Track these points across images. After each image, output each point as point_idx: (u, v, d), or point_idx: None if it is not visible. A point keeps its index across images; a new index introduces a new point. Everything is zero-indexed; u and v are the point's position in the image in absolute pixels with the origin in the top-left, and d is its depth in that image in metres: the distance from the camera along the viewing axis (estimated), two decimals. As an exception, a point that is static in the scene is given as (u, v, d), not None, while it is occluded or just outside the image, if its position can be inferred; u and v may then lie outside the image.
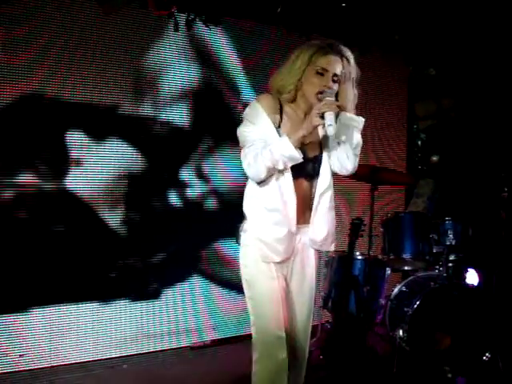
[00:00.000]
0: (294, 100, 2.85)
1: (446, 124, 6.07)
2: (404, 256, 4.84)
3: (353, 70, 2.84)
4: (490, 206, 5.37)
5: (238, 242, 2.92)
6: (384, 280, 4.94)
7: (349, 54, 2.82)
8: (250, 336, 2.91)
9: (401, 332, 4.58)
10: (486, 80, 5.90)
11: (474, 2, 5.49)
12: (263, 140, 2.73)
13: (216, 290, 5.18)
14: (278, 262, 2.83)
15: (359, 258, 4.89)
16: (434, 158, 6.15)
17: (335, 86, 2.79)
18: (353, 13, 5.49)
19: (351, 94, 2.85)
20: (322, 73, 2.76)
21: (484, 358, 4.50)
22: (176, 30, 4.82)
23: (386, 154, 6.00)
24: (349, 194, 5.58)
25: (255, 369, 2.83)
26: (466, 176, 5.93)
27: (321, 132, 2.89)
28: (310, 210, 2.88)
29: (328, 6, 5.40)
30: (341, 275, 4.86)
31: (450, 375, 4.44)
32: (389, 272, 5.00)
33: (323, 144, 2.93)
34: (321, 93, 2.74)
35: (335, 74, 2.77)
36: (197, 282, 5.10)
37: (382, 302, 4.88)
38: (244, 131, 2.80)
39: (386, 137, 6.04)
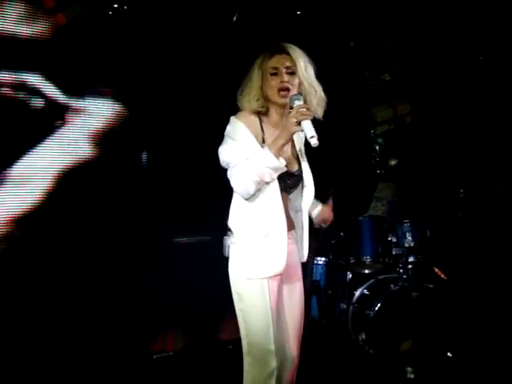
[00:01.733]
0: (266, 112, 2.85)
1: (402, 128, 6.14)
2: (364, 259, 4.88)
3: (304, 64, 2.80)
4: (447, 207, 5.44)
5: (225, 253, 2.86)
6: (345, 284, 4.98)
7: (295, 48, 2.82)
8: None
9: (363, 335, 4.62)
10: (441, 83, 6.00)
11: (428, 4, 5.60)
12: (247, 157, 2.69)
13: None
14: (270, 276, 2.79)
15: (320, 262, 4.92)
16: (393, 162, 6.21)
17: (294, 80, 2.77)
18: (308, 20, 5.54)
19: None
20: (274, 72, 2.77)
21: (445, 357, 4.57)
22: None
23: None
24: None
25: (246, 378, 2.80)
26: (424, 179, 6.01)
27: (297, 143, 2.91)
28: (294, 223, 2.89)
29: (283, 13, 5.44)
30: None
31: (412, 376, 4.49)
32: (350, 276, 5.03)
33: (301, 156, 2.93)
34: (281, 90, 2.75)
35: (287, 67, 2.77)
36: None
37: (344, 305, 4.91)
38: (226, 150, 2.76)
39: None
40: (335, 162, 5.68)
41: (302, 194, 2.91)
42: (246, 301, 2.78)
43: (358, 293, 4.97)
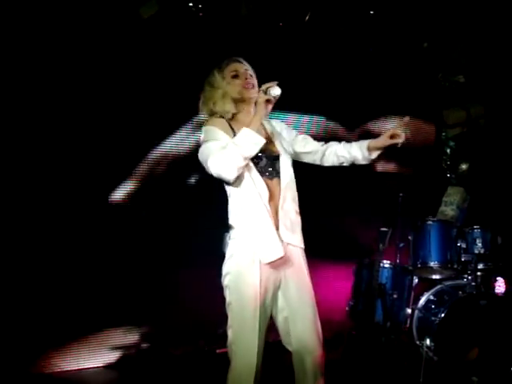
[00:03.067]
0: (232, 116, 3.00)
1: (475, 132, 6.00)
2: (432, 264, 4.78)
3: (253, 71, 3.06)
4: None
5: (224, 249, 2.92)
6: (411, 288, 4.91)
7: (243, 59, 3.07)
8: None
9: (428, 341, 4.54)
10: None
11: (503, 8, 5.46)
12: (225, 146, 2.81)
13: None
14: (271, 266, 2.84)
15: (386, 266, 4.86)
16: (464, 166, 6.08)
17: (253, 80, 3.00)
18: (381, 20, 5.49)
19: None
20: (235, 75, 3.00)
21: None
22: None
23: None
24: (375, 202, 5.54)
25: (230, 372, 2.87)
26: (496, 184, 5.86)
27: (269, 128, 3.05)
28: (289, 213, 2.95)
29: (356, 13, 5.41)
30: (368, 284, 4.83)
31: (477, 385, 4.39)
32: (416, 280, 4.96)
33: (276, 142, 3.04)
34: (247, 85, 2.96)
35: (245, 70, 3.02)
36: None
37: (409, 310, 4.84)
38: (204, 149, 2.87)
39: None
40: (405, 165, 5.62)
41: (279, 179, 2.96)
42: (234, 294, 2.83)
43: (424, 298, 4.89)
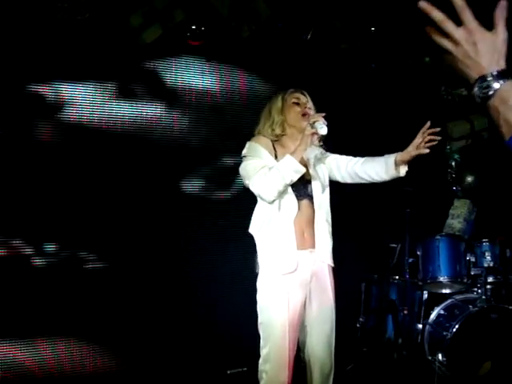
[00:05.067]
0: (283, 135, 3.27)
1: (479, 144, 6.00)
2: (441, 279, 4.79)
3: (312, 106, 3.33)
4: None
5: (255, 270, 3.16)
6: (422, 304, 4.90)
7: (307, 93, 3.34)
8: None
9: (440, 356, 4.53)
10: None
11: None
12: (267, 166, 3.05)
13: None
14: (293, 283, 3.02)
15: (396, 281, 4.86)
16: (469, 179, 6.08)
17: (311, 112, 3.24)
18: (382, 36, 5.52)
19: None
20: (297, 102, 3.28)
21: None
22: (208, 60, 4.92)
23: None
24: (383, 218, 5.54)
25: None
26: (502, 196, 5.85)
27: (305, 155, 3.17)
28: (315, 233, 3.16)
29: (357, 30, 5.44)
30: (378, 300, 4.83)
31: (491, 400, 4.37)
32: (426, 295, 4.95)
33: (310, 168, 3.25)
34: (305, 114, 3.22)
35: (306, 102, 3.30)
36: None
37: (420, 326, 4.83)
38: (246, 165, 3.12)
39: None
40: (410, 179, 5.61)
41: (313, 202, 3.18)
42: (264, 313, 3.05)
43: (434, 313, 4.88)
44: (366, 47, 5.55)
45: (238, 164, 3.23)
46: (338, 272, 5.41)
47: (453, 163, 6.12)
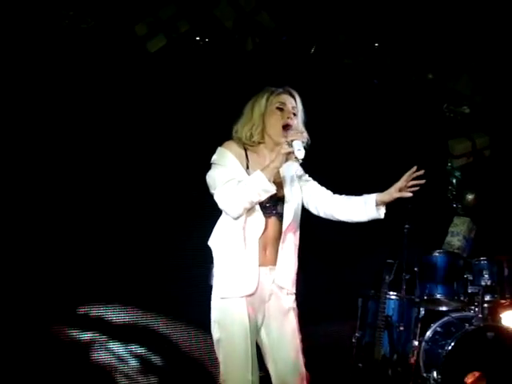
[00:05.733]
0: (260, 143, 3.00)
1: (481, 162, 6.01)
2: (438, 296, 4.78)
3: (300, 109, 3.02)
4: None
5: (210, 281, 2.94)
6: (418, 320, 4.89)
7: (297, 94, 3.03)
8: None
9: (435, 374, 4.52)
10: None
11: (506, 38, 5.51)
12: (235, 179, 2.81)
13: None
14: (252, 301, 2.83)
15: (393, 298, 4.86)
16: (470, 197, 6.08)
17: (295, 120, 2.96)
18: (385, 52, 5.55)
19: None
20: (281, 107, 2.96)
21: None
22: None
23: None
24: (380, 233, 5.54)
25: None
26: (502, 214, 5.85)
27: (281, 170, 3.00)
28: (278, 251, 2.93)
29: (360, 45, 5.47)
30: (374, 316, 4.82)
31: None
32: (423, 312, 4.94)
33: (285, 186, 3.02)
34: (287, 126, 2.91)
35: (293, 107, 2.97)
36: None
37: (416, 343, 4.81)
38: (214, 174, 2.88)
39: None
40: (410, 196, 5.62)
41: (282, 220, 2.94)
42: (223, 329, 2.81)
43: (430, 330, 4.87)
44: (370, 63, 5.58)
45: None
46: (336, 287, 5.49)
47: (453, 180, 6.13)
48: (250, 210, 2.83)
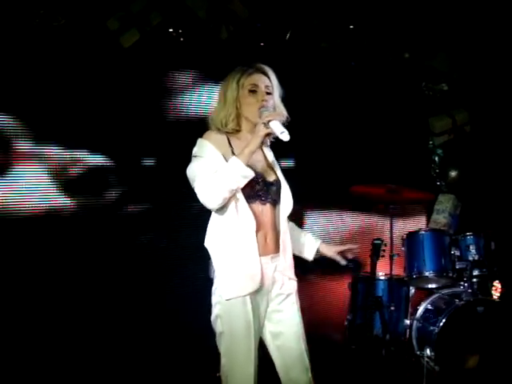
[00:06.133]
0: (238, 130, 2.89)
1: (462, 138, 6.03)
2: (427, 274, 4.79)
3: (276, 86, 2.90)
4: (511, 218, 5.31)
5: (210, 275, 2.86)
6: (408, 299, 4.91)
7: (271, 70, 2.91)
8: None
9: (428, 351, 4.54)
10: (499, 90, 5.88)
11: (483, 14, 5.52)
12: (214, 170, 2.70)
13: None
14: (255, 294, 2.77)
15: (382, 278, 4.87)
16: (453, 173, 6.10)
17: (271, 100, 2.84)
18: (361, 33, 5.54)
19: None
20: (254, 90, 2.83)
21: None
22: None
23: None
24: (367, 215, 5.56)
25: None
26: (486, 189, 5.88)
27: (269, 157, 2.96)
28: (278, 238, 2.86)
29: (336, 28, 5.45)
30: (364, 297, 4.84)
31: (480, 393, 4.38)
32: (413, 291, 4.96)
33: (275, 168, 2.96)
34: (261, 107, 2.79)
35: (267, 86, 2.85)
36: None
37: (408, 321, 4.83)
38: (193, 166, 2.79)
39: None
40: (395, 175, 5.64)
41: (279, 207, 2.89)
42: (225, 322, 2.75)
43: (421, 308, 4.88)
44: (346, 45, 5.57)
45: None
46: (325, 268, 5.49)
47: (436, 158, 6.15)
48: (240, 202, 2.74)
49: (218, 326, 2.78)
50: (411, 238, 4.91)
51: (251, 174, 2.69)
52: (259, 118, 2.75)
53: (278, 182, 2.90)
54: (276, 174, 2.93)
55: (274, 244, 2.85)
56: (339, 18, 5.41)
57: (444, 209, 5.92)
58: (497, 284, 5.21)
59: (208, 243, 2.85)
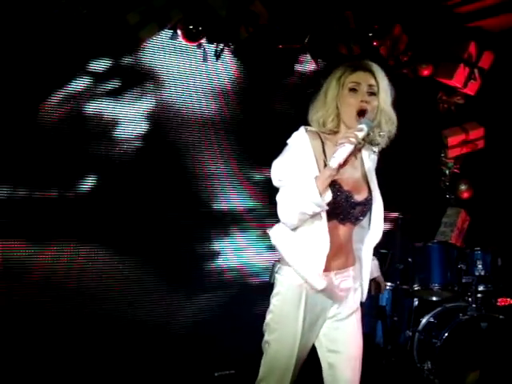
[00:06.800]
0: (337, 131, 2.59)
1: (474, 153, 6.02)
2: (432, 286, 4.78)
3: (386, 86, 2.56)
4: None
5: (270, 280, 2.66)
6: (411, 311, 4.90)
7: (378, 68, 2.57)
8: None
9: (429, 364, 4.52)
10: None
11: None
12: (301, 179, 2.43)
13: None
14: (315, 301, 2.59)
15: (387, 288, 4.85)
16: (463, 187, 6.08)
17: (374, 102, 2.52)
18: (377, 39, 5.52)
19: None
20: (354, 88, 2.52)
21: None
22: (205, 59, 4.90)
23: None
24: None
25: None
26: (495, 205, 5.86)
27: (366, 163, 2.67)
28: (348, 254, 2.62)
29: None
30: (368, 306, 4.82)
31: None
32: (416, 303, 4.95)
33: (370, 180, 2.65)
34: (362, 112, 2.49)
35: (369, 85, 2.52)
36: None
37: (410, 333, 4.82)
38: (281, 166, 2.54)
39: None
40: (405, 185, 5.63)
41: (368, 228, 2.65)
42: (272, 333, 2.59)
43: (424, 320, 4.87)
44: (364, 52, 5.55)
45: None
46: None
47: (447, 171, 6.13)
48: (315, 227, 2.48)
49: (265, 333, 2.63)
50: (418, 250, 4.90)
51: (323, 206, 2.41)
52: (355, 122, 2.49)
53: (368, 201, 2.61)
54: (370, 189, 2.63)
55: (344, 261, 2.61)
56: (359, 24, 5.39)
57: (452, 222, 5.90)
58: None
59: (283, 248, 2.60)
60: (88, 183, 4.59)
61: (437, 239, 5.69)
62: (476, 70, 5.74)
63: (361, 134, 2.42)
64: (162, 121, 4.87)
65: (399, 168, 5.79)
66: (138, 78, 4.75)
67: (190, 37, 4.70)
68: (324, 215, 2.47)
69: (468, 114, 6.05)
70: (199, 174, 5.01)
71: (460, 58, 5.73)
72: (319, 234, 2.49)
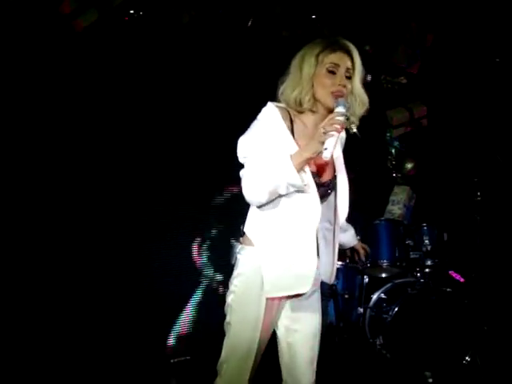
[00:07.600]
0: (314, 111, 2.54)
1: (418, 131, 6.12)
2: (381, 263, 4.86)
3: (358, 68, 2.52)
4: (464, 210, 5.41)
5: (232, 262, 2.62)
6: (362, 288, 4.97)
7: (355, 49, 2.52)
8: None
9: (381, 339, 4.61)
10: (457, 85, 5.97)
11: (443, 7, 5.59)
12: (269, 154, 2.39)
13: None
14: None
15: (337, 266, 4.90)
16: (409, 165, 6.19)
17: (348, 85, 2.47)
18: (322, 24, 5.54)
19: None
20: (333, 70, 2.45)
21: (464, 361, 4.53)
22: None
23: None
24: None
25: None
26: (441, 182, 5.98)
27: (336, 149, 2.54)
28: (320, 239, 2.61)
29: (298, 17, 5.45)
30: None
31: (431, 380, 4.46)
32: (367, 280, 5.02)
33: (336, 164, 2.64)
34: (337, 94, 2.42)
35: (347, 69, 2.47)
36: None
37: (361, 310, 4.90)
38: (251, 141, 2.46)
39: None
40: (352, 166, 5.66)
41: (335, 208, 2.63)
42: (234, 314, 2.55)
43: (375, 297, 4.97)
44: (307, 35, 5.57)
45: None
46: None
47: (393, 150, 6.22)
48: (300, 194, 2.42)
49: (227, 314, 2.59)
50: (366, 228, 4.97)
51: (301, 186, 2.38)
52: (330, 102, 2.43)
53: (332, 182, 2.61)
54: (334, 172, 2.62)
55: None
56: (301, 7, 5.40)
57: (399, 200, 6.00)
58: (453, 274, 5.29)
59: (249, 229, 2.57)
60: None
61: (385, 217, 5.78)
62: (418, 50, 5.83)
63: (342, 118, 2.35)
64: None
65: (346, 149, 5.84)
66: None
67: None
68: (315, 193, 2.45)
69: (411, 94, 6.13)
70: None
71: (402, 37, 5.80)
72: (308, 207, 2.45)
